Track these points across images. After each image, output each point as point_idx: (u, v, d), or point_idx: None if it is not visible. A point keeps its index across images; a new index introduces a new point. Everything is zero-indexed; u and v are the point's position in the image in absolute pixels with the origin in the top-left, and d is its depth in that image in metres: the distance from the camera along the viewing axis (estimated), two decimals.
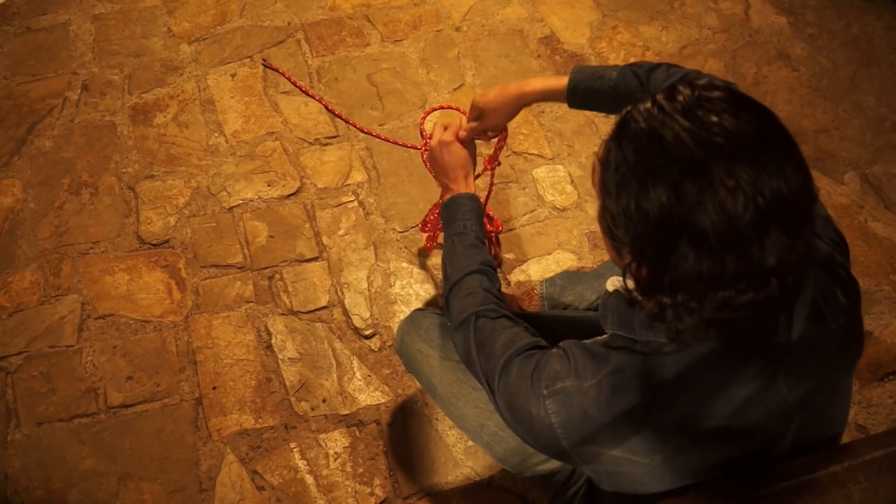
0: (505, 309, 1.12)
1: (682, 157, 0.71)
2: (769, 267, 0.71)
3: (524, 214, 2.00)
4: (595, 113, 2.21)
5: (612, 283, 0.95)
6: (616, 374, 0.87)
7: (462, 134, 1.35)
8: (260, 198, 1.98)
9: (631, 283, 0.82)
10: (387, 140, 2.10)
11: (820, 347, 0.87)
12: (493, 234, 1.82)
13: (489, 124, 1.34)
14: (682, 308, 0.75)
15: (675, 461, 0.86)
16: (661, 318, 0.78)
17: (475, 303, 1.12)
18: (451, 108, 1.65)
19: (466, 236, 1.23)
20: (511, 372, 0.98)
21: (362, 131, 2.12)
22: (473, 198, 1.29)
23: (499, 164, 1.51)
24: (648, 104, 0.76)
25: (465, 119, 1.39)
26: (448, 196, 1.32)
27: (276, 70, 2.24)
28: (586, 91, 1.23)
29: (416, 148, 2.08)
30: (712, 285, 0.72)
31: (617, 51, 2.40)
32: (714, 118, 0.72)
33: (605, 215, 0.81)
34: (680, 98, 0.74)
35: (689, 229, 0.70)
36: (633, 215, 0.75)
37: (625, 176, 0.75)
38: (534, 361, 0.96)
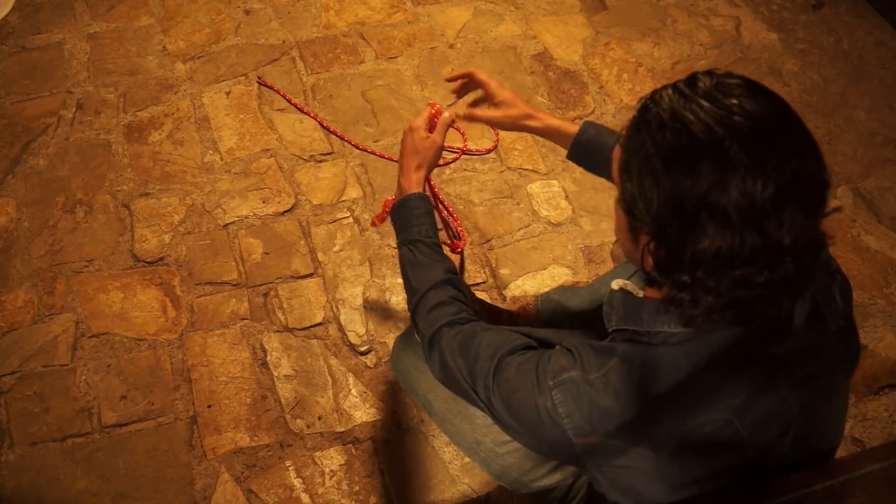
0: (476, 316, 1.11)
1: (703, 136, 0.74)
2: (785, 245, 0.73)
3: (519, 230, 2.00)
4: None
5: (617, 283, 0.95)
6: (623, 363, 0.86)
7: (480, 115, 1.32)
8: (255, 215, 1.98)
9: (650, 264, 0.82)
10: (381, 156, 2.10)
11: (819, 350, 0.88)
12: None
13: (504, 113, 1.30)
14: (700, 287, 0.76)
15: (680, 457, 0.85)
16: (676, 301, 0.79)
17: (445, 314, 1.10)
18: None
19: (423, 244, 1.20)
20: (510, 368, 0.96)
21: (357, 148, 2.13)
22: (424, 198, 1.25)
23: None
24: (669, 91, 0.80)
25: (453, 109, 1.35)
26: (397, 196, 1.28)
27: (272, 87, 2.25)
28: (591, 141, 1.25)
29: (384, 157, 2.09)
30: (731, 261, 0.74)
31: (610, 67, 2.42)
32: (734, 100, 0.75)
33: (625, 197, 0.82)
34: (700, 84, 0.78)
35: (709, 206, 0.73)
36: (654, 194, 0.77)
37: (647, 156, 0.77)
38: (535, 357, 0.95)
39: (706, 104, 0.75)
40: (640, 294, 0.92)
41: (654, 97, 0.80)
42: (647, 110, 0.80)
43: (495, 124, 1.34)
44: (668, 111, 0.77)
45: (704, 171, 0.73)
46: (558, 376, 0.90)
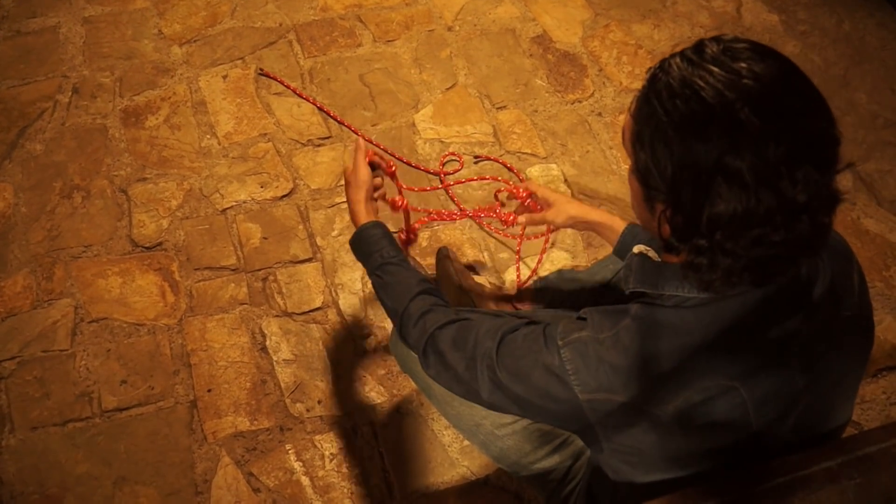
0: (462, 314, 1.09)
1: (714, 101, 0.75)
2: (801, 203, 0.74)
3: None
4: (588, 111, 2.23)
5: (638, 247, 0.96)
6: (635, 321, 0.87)
7: (522, 220, 1.47)
8: (253, 199, 1.97)
9: (667, 232, 0.83)
10: (382, 148, 2.09)
11: (832, 333, 0.88)
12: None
13: (550, 218, 1.40)
14: (718, 249, 0.77)
15: (684, 425, 0.85)
16: (694, 266, 0.80)
17: (432, 321, 1.09)
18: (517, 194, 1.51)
19: (388, 265, 1.20)
20: (515, 340, 0.96)
21: (356, 134, 2.12)
22: (376, 224, 1.26)
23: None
24: (678, 59, 0.80)
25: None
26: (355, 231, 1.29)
27: (274, 78, 2.22)
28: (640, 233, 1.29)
29: (410, 165, 2.08)
30: (747, 223, 0.75)
31: (609, 49, 2.40)
32: (742, 64, 0.76)
33: (638, 167, 0.83)
34: (708, 50, 0.79)
35: (723, 169, 0.74)
36: (668, 161, 0.78)
37: (659, 123, 0.78)
38: (540, 326, 0.95)
39: (715, 69, 0.76)
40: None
41: (663, 66, 0.81)
42: (657, 79, 0.80)
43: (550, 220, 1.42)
44: (677, 79, 0.78)
45: (717, 136, 0.74)
46: (567, 336, 0.90)
